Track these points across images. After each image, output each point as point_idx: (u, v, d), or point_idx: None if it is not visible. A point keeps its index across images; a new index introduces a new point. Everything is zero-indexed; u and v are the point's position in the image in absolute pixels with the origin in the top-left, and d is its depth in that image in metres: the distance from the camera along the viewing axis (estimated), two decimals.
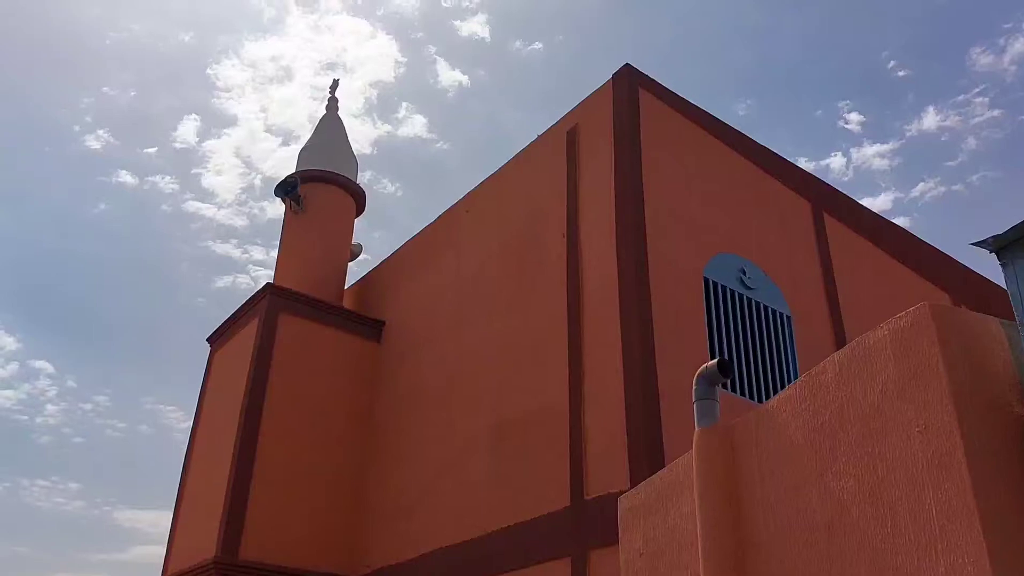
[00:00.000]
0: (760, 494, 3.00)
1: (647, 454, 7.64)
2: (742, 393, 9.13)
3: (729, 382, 9.04)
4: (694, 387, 3.47)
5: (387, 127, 44.29)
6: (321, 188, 14.57)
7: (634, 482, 6.59)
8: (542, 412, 9.13)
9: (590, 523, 7.87)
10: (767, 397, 8.72)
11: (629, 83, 10.13)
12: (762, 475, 3.02)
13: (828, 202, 12.06)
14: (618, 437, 8.05)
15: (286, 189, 14.21)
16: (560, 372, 9.08)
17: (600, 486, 7.98)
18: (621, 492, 3.94)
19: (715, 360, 3.41)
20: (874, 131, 41.53)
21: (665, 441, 7.79)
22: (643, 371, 8.18)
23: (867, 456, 2.60)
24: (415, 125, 44.67)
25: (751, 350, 9.52)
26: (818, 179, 12.41)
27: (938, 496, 2.34)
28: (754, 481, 3.05)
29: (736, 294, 9.70)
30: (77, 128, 41.14)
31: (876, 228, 12.64)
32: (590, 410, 8.57)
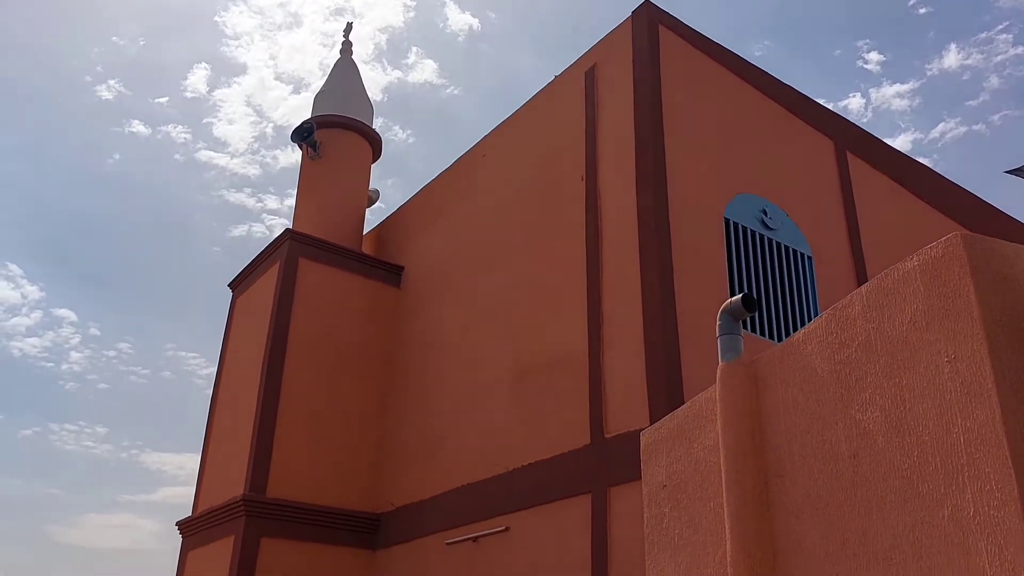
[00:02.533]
0: (784, 426, 3.01)
1: (667, 393, 7.69)
2: (762, 333, 9.13)
3: (750, 322, 9.03)
4: (718, 322, 3.47)
5: (397, 73, 43.76)
6: (337, 133, 14.50)
7: (654, 420, 6.65)
8: (562, 354, 9.18)
9: (610, 460, 7.97)
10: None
11: (648, 20, 9.92)
12: (786, 408, 3.04)
13: (851, 141, 11.86)
14: (637, 377, 8.10)
15: (302, 135, 14.15)
16: (579, 314, 9.11)
17: (620, 425, 8.06)
18: (640, 430, 3.97)
19: (740, 295, 3.40)
20: (894, 70, 40.60)
21: (684, 381, 7.84)
22: (662, 313, 8.18)
23: (894, 387, 2.60)
24: (425, 71, 44.10)
25: (772, 291, 9.49)
26: (841, 117, 12.19)
27: (966, 424, 2.34)
28: (778, 414, 3.07)
29: (757, 235, 9.63)
30: (88, 78, 40.96)
31: (899, 166, 12.45)
32: (609, 351, 8.61)
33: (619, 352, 8.49)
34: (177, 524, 12.21)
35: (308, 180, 14.34)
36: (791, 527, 2.91)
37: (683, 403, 3.85)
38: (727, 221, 9.40)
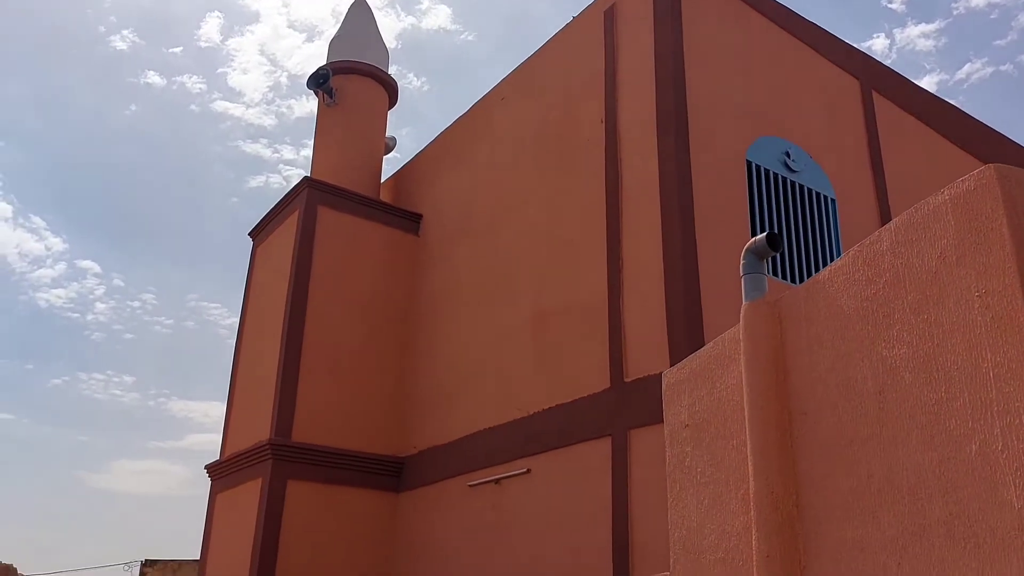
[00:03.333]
0: (808, 364, 3.00)
1: (687, 337, 7.69)
2: (784, 277, 9.07)
3: (772, 266, 8.97)
4: (742, 261, 3.44)
5: (411, 19, 43.14)
6: (353, 80, 14.36)
7: (674, 364, 6.66)
8: (581, 299, 9.18)
9: (630, 404, 8.02)
10: None
11: None
12: (811, 346, 3.02)
13: (877, 79, 11.59)
14: (658, 322, 8.09)
15: (318, 81, 14.02)
16: (599, 260, 9.07)
17: (640, 369, 8.09)
18: (661, 374, 3.97)
19: (764, 233, 3.36)
20: (919, 10, 39.46)
21: (705, 325, 7.82)
22: (683, 257, 8.13)
23: (922, 323, 2.57)
24: (439, 16, 43.42)
25: (795, 234, 9.39)
26: (867, 55, 11.88)
27: (996, 359, 2.31)
28: (802, 352, 3.05)
29: (779, 177, 9.50)
30: (102, 29, 40.71)
31: (926, 106, 12.17)
32: (629, 296, 8.59)
33: (639, 296, 8.47)
34: (206, 467, 12.48)
35: (325, 128, 14.25)
36: (815, 464, 2.91)
37: (704, 346, 3.84)
38: (749, 164, 9.26)
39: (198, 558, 12.41)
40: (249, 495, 11.03)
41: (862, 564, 2.64)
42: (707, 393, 3.60)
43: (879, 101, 11.35)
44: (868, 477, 2.67)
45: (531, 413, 9.33)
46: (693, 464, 3.61)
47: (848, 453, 2.77)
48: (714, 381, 3.58)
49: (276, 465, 10.71)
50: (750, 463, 3.10)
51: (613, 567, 7.39)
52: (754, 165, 9.29)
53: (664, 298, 8.13)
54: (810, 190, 9.75)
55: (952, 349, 2.46)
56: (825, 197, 9.87)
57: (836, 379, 2.88)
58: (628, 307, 8.54)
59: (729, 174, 9.01)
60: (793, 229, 9.39)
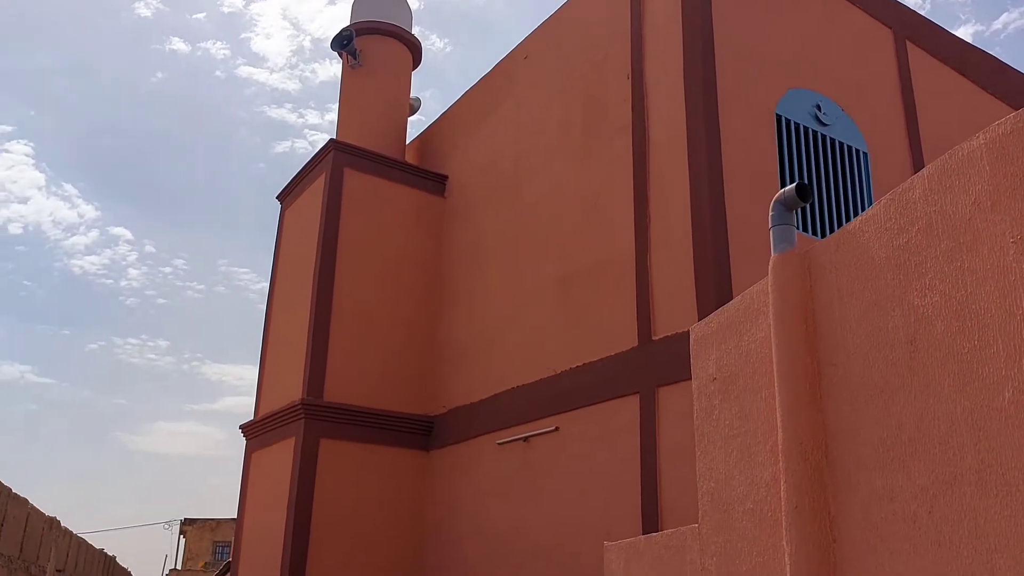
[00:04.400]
0: (839, 315, 2.97)
1: (716, 294, 7.64)
2: (815, 233, 8.95)
3: (803, 221, 8.85)
4: (771, 212, 3.39)
5: None
6: (377, 40, 14.26)
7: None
8: (609, 257, 9.14)
9: (658, 362, 8.02)
10: None
11: None
12: (841, 297, 2.98)
13: (912, 29, 11.27)
14: (686, 279, 8.05)
15: (342, 42, 13.94)
16: (626, 218, 9.01)
17: (668, 326, 8.06)
18: (688, 331, 3.96)
19: (793, 184, 3.31)
20: None
21: (734, 283, 7.76)
22: (711, 214, 8.04)
23: (955, 271, 2.53)
24: None
25: (826, 189, 9.24)
26: (901, 4, 11.53)
27: None
28: (832, 303, 3.02)
29: (810, 131, 9.32)
30: None
31: (962, 56, 11.83)
32: (657, 253, 8.54)
33: (667, 254, 8.41)
34: (241, 427, 12.73)
35: (349, 90, 14.21)
36: (844, 415, 2.90)
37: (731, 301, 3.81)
38: (779, 118, 9.10)
39: (235, 516, 12.72)
40: (283, 454, 11.25)
41: (892, 513, 2.64)
42: (735, 346, 3.59)
43: (913, 51, 11.06)
44: (899, 427, 2.66)
45: (559, 372, 9.37)
46: (721, 417, 3.62)
47: (878, 403, 2.75)
48: (742, 334, 3.56)
49: (309, 424, 10.89)
50: (778, 415, 3.10)
51: (642, 522, 7.45)
52: (784, 119, 9.12)
53: (692, 255, 8.07)
54: (842, 144, 9.56)
55: (986, 296, 2.42)
56: (857, 151, 9.68)
57: (866, 329, 2.85)
58: (656, 264, 8.49)
59: (758, 128, 8.86)
60: (824, 184, 9.23)
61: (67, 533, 3.58)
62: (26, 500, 2.76)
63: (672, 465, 7.51)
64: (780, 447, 3.07)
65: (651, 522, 7.38)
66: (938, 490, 2.48)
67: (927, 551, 2.47)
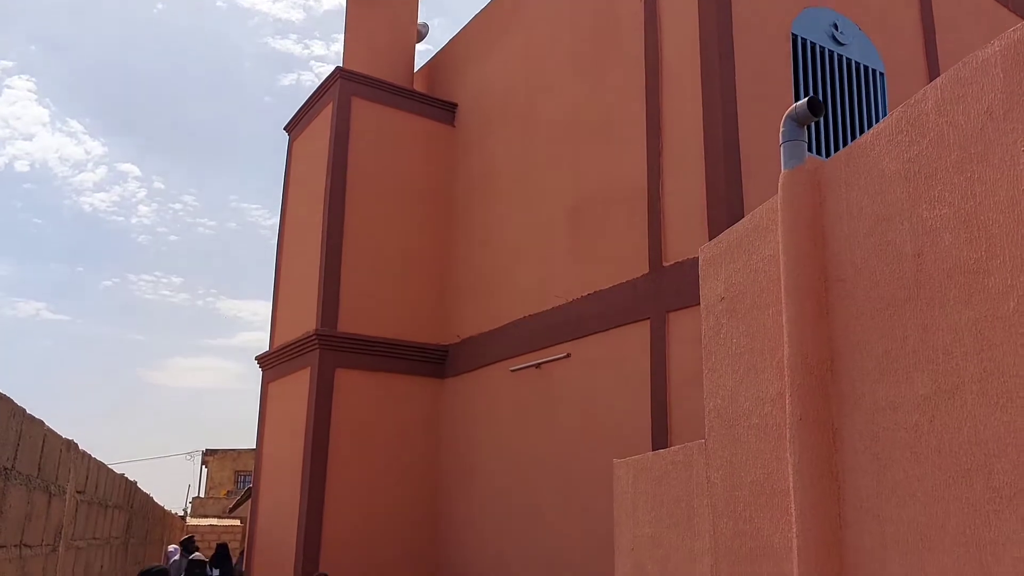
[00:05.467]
0: (847, 230, 2.96)
1: (727, 221, 7.59)
2: (828, 155, 8.83)
3: (818, 143, 8.73)
4: (782, 128, 3.35)
5: None
6: None
7: None
8: (621, 184, 9.08)
9: (668, 288, 8.04)
10: None
11: None
12: (850, 212, 2.97)
13: None
14: (697, 205, 8.00)
15: None
16: (638, 143, 8.91)
17: (679, 253, 8.06)
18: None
19: (805, 99, 3.26)
20: None
21: (746, 209, 7.71)
22: (725, 140, 7.94)
23: (965, 182, 2.51)
24: None
25: (842, 110, 9.08)
26: None
27: None
28: (841, 218, 3.01)
29: (826, 51, 9.11)
30: None
31: None
32: (669, 180, 8.48)
33: (679, 180, 8.35)
34: (256, 358, 12.93)
35: (355, 16, 13.94)
36: (850, 329, 2.92)
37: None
38: (794, 37, 8.89)
39: (255, 447, 13.03)
40: (299, 384, 11.45)
41: (894, 423, 2.68)
42: (743, 265, 3.60)
43: None
44: (903, 339, 2.68)
45: (571, 300, 9.42)
46: (728, 335, 3.65)
47: (884, 316, 2.77)
48: (750, 253, 3.56)
49: (323, 354, 11.05)
50: (785, 330, 3.12)
51: (652, 442, 7.59)
52: (800, 38, 8.91)
53: (705, 181, 8.00)
54: (858, 64, 9.36)
55: (994, 206, 2.41)
56: (874, 71, 9.48)
57: (874, 244, 2.85)
58: (668, 191, 8.44)
59: (773, 49, 8.67)
60: (840, 106, 9.07)
61: (85, 456, 3.68)
62: (42, 422, 2.82)
63: (681, 388, 7.61)
64: (786, 362, 3.10)
65: (660, 442, 7.52)
66: (940, 399, 2.52)
67: (927, 458, 2.52)
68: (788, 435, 3.05)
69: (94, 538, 4.15)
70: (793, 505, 2.96)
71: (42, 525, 2.94)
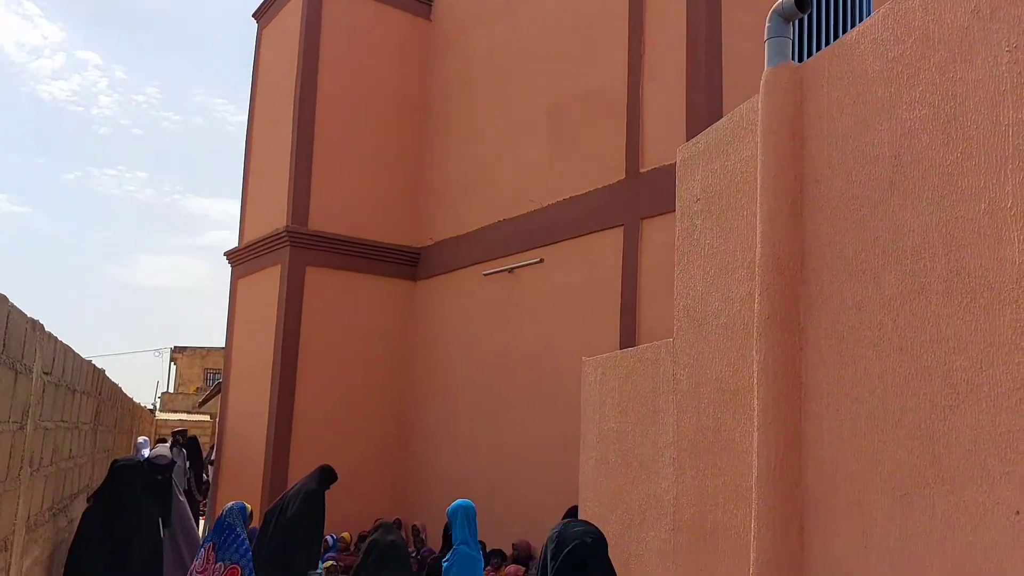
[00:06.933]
0: (827, 130, 2.95)
1: (707, 127, 7.53)
2: None
3: (799, 50, 8.60)
4: (767, 24, 3.28)
5: None
6: None
7: None
8: (600, 88, 8.93)
9: (644, 194, 8.03)
10: None
11: None
12: (830, 111, 2.95)
13: None
14: (677, 111, 7.91)
15: None
16: (620, 45, 8.72)
17: (656, 159, 8.01)
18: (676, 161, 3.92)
19: None
20: None
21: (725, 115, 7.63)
22: (707, 44, 7.79)
23: (946, 82, 2.49)
24: None
25: (832, 16, 8.91)
26: None
27: (1017, 116, 2.26)
28: (821, 119, 2.99)
29: None
30: None
31: None
32: (649, 84, 8.34)
33: (659, 85, 8.22)
34: (225, 254, 12.81)
35: None
36: (822, 231, 2.94)
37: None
38: None
39: (224, 344, 13.04)
40: (269, 281, 11.41)
41: (859, 322, 2.73)
42: (721, 166, 3.58)
43: None
44: (874, 240, 2.71)
45: (545, 205, 9.38)
46: (702, 236, 3.66)
47: (856, 217, 2.79)
48: (728, 154, 3.54)
49: (294, 252, 10.98)
50: (758, 230, 3.14)
51: (620, 344, 7.72)
52: None
53: (685, 86, 7.89)
54: None
55: (974, 107, 2.40)
56: None
57: (852, 145, 2.84)
58: (648, 95, 8.32)
59: None
60: (831, 14, 8.90)
61: (52, 338, 3.62)
62: (6, 297, 2.75)
63: (651, 293, 7.70)
64: (757, 262, 3.13)
65: (628, 343, 7.65)
66: (905, 299, 2.56)
67: (889, 355, 2.59)
68: (755, 333, 3.10)
69: (63, 421, 4.17)
70: (756, 400, 3.04)
71: (8, 403, 2.94)
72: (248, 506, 5.48)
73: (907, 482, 2.50)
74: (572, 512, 7.42)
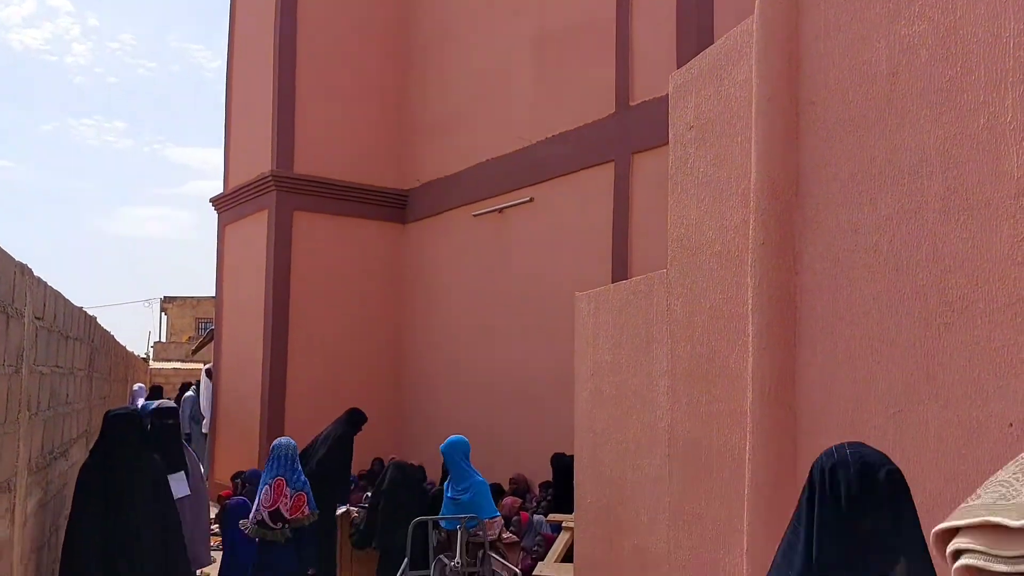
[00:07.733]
0: (823, 50, 2.89)
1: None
2: None
3: None
4: None
5: None
6: None
7: None
8: (588, 19, 8.75)
9: (634, 128, 7.94)
10: None
11: None
12: (827, 31, 2.89)
13: None
14: (667, 44, 7.77)
15: None
16: None
17: (646, 92, 7.90)
18: (667, 94, 3.85)
19: None
20: None
21: None
22: None
23: None
24: None
25: None
26: None
27: (1018, 27, 2.22)
28: (818, 38, 2.93)
29: None
30: None
31: None
32: (638, 15, 8.18)
33: (649, 16, 8.06)
34: (211, 200, 12.67)
35: None
36: (819, 152, 2.91)
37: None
38: None
39: (214, 291, 12.99)
40: (257, 226, 11.31)
41: (854, 245, 2.73)
42: (714, 92, 3.53)
43: None
44: (870, 161, 2.68)
45: (534, 142, 9.27)
46: (696, 164, 3.62)
47: (852, 138, 2.76)
48: (722, 79, 3.48)
49: (280, 196, 10.86)
50: (753, 155, 3.11)
51: (612, 277, 7.72)
52: None
53: (676, 18, 7.74)
54: None
55: (974, 20, 2.36)
56: None
57: (849, 64, 2.79)
58: (637, 26, 8.16)
59: None
60: None
61: (41, 283, 3.56)
62: None
63: (643, 228, 7.67)
64: (752, 187, 3.11)
65: (620, 274, 7.65)
66: (901, 219, 2.55)
67: (883, 276, 2.59)
68: (750, 260, 3.09)
69: (57, 366, 4.15)
70: (750, 326, 3.05)
71: (2, 347, 2.91)
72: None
73: (900, 400, 2.53)
74: (558, 459, 7.54)
